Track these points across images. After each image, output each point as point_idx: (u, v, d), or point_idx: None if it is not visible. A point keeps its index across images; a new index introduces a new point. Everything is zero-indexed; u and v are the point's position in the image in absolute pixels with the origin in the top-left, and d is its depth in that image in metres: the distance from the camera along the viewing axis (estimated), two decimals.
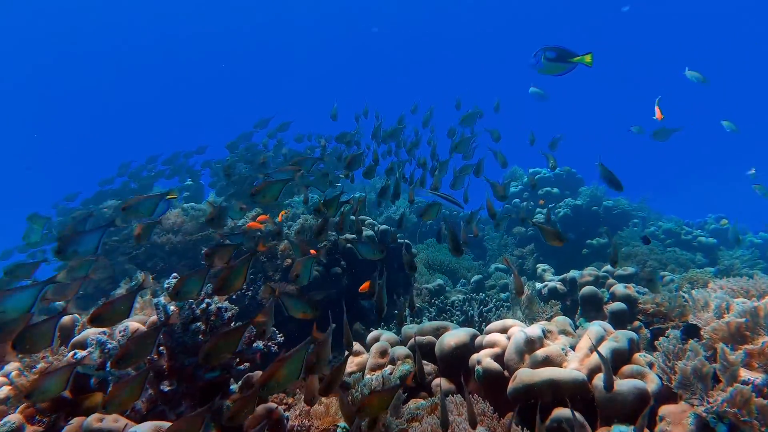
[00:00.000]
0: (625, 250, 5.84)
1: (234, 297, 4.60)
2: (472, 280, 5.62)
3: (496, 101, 4.45)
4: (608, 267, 4.46)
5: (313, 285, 4.45)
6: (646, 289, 4.14)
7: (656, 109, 3.47)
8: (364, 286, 3.35)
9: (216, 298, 2.13)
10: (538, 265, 4.93)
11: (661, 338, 2.10)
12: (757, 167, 5.58)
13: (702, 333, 2.17)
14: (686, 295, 2.57)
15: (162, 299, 1.93)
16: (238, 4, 28.39)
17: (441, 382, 2.61)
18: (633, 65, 32.11)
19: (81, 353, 1.91)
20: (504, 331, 2.60)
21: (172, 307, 2.02)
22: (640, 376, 2.07)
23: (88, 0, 26.10)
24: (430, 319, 3.85)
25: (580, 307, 3.32)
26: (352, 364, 3.01)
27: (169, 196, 2.04)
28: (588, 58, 2.94)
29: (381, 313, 2.11)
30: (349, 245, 4.71)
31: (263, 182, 2.08)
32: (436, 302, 4.04)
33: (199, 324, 2.02)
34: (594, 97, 34.38)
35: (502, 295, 5.71)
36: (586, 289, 3.26)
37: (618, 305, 2.99)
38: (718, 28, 27.08)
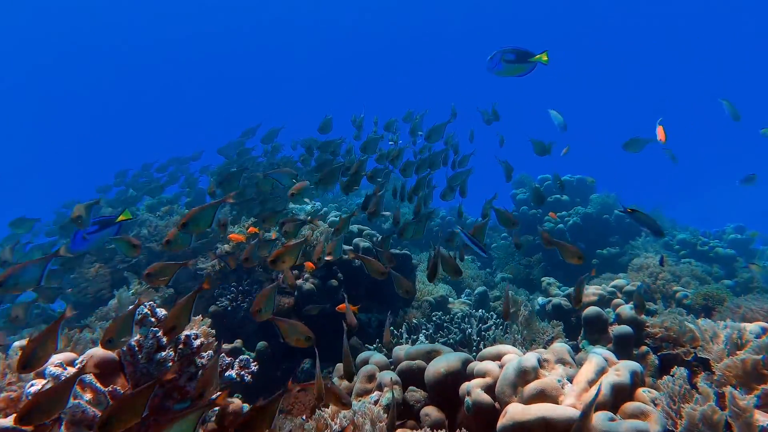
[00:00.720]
0: (636, 262, 5.61)
1: (229, 309, 4.48)
2: (476, 291, 5.42)
3: (493, 105, 4.22)
4: (616, 282, 4.25)
5: (309, 299, 4.32)
6: (657, 306, 3.94)
7: (658, 129, 3.20)
8: (341, 306, 3.19)
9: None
10: (543, 278, 4.73)
11: (665, 377, 1.91)
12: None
13: (713, 369, 1.97)
14: (691, 325, 2.36)
15: None
16: (233, 6, 28.50)
17: (431, 412, 2.44)
18: (641, 65, 31.73)
19: (37, 385, 1.79)
20: (498, 357, 2.43)
21: (136, 336, 1.89)
22: (642, 415, 1.88)
23: (83, 2, 26.38)
24: (427, 336, 3.68)
25: (584, 328, 3.13)
26: (339, 386, 2.86)
27: (120, 218, 1.94)
28: (544, 57, 2.93)
29: (351, 378, 1.94)
30: (345, 256, 4.57)
31: (193, 210, 1.93)
32: (434, 318, 3.87)
33: (164, 354, 1.88)
34: (604, 99, 34.02)
35: None
36: (590, 310, 3.06)
37: (623, 329, 2.79)
38: (729, 28, 26.73)
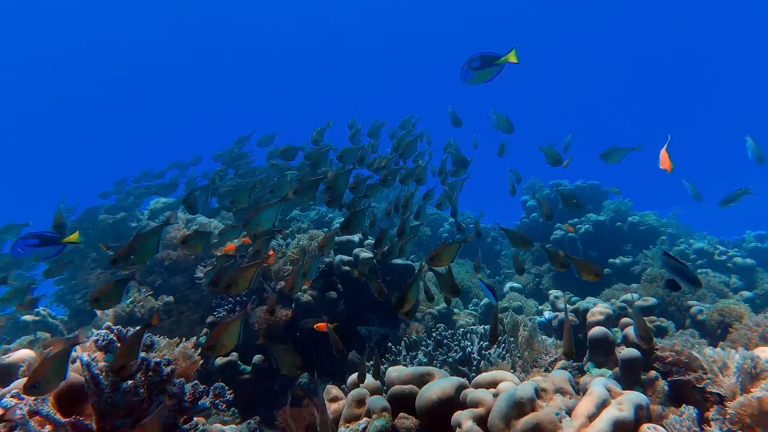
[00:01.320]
0: (650, 273, 5.38)
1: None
2: (482, 303, 5.25)
3: (496, 114, 4.02)
4: (627, 296, 4.05)
5: (307, 311, 4.20)
6: (668, 323, 3.73)
7: (662, 153, 2.88)
8: (320, 325, 3.05)
9: (154, 352, 1.89)
10: (550, 291, 4.54)
11: (672, 416, 1.74)
12: None
13: (726, 407, 1.80)
14: (697, 355, 2.18)
15: (84, 355, 1.68)
16: (232, 12, 28.68)
17: None
18: (657, 66, 31.37)
19: None
20: (493, 385, 2.28)
21: (100, 363, 1.78)
22: None
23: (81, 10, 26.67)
24: (426, 354, 3.53)
25: (589, 350, 2.95)
26: (328, 410, 2.74)
27: (67, 239, 1.87)
28: (512, 57, 2.85)
29: None
30: (346, 267, 4.44)
31: (136, 237, 1.83)
32: (435, 334, 3.71)
33: (131, 383, 1.77)
34: (616, 102, 33.67)
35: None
36: (596, 331, 2.88)
37: (630, 352, 2.61)
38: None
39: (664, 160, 2.78)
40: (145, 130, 36.45)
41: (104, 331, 1.78)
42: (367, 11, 29.33)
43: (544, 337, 4.05)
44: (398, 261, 4.72)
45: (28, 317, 4.34)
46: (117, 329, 1.80)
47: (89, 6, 26.86)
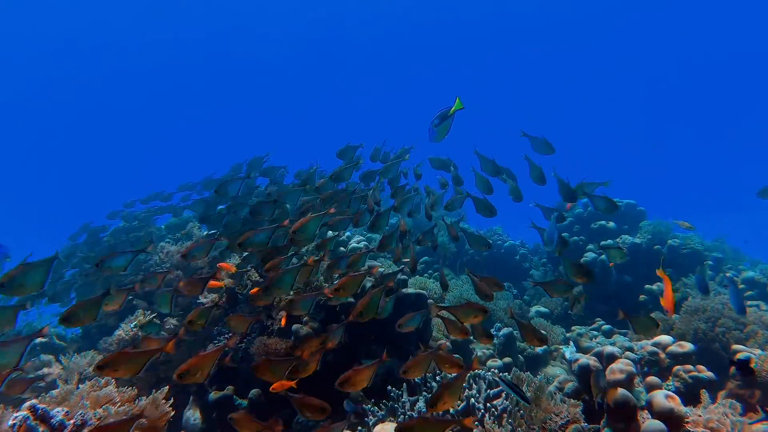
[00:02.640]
0: (691, 304, 4.86)
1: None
2: (501, 333, 4.84)
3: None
4: (660, 339, 3.62)
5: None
6: (707, 375, 3.28)
7: (668, 294, 2.67)
8: (276, 386, 2.81)
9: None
10: (573, 327, 4.10)
11: None
12: None
13: None
14: None
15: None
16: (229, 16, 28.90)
17: None
18: (694, 82, 30.53)
19: None
20: None
21: None
22: None
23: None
24: (426, 400, 3.21)
25: (606, 413, 2.55)
26: None
27: None
28: (458, 105, 3.04)
29: None
30: (350, 300, 4.17)
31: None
32: (438, 378, 3.38)
33: None
34: (645, 116, 32.80)
35: (539, 350, 4.92)
36: (615, 393, 2.49)
37: (656, 426, 2.21)
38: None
39: (668, 302, 2.58)
40: (149, 139, 37.29)
41: (23, 413, 1.56)
42: (377, 15, 29.26)
43: (562, 377, 3.65)
44: (410, 291, 4.43)
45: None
46: (41, 410, 1.58)
47: (103, 20, 27.74)
